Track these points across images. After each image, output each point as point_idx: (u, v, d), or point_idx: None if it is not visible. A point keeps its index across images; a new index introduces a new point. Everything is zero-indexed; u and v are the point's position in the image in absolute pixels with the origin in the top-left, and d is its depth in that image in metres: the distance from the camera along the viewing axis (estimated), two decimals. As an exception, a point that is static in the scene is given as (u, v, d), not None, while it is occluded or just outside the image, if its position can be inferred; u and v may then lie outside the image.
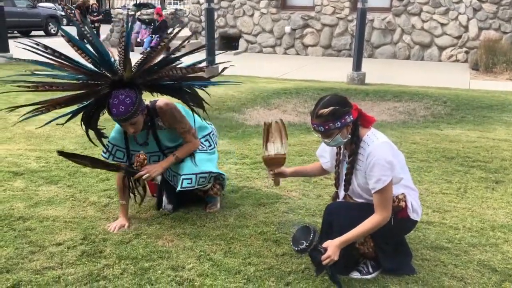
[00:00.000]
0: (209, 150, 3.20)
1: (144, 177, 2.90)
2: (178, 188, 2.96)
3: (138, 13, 15.33)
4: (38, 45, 2.54)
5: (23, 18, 17.97)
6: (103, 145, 2.98)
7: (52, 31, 19.52)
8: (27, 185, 3.63)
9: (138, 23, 14.32)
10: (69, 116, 2.77)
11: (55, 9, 23.84)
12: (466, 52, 12.01)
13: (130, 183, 3.05)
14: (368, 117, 2.36)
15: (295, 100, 7.10)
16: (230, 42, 14.24)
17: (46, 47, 2.54)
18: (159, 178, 2.98)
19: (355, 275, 2.46)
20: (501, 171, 4.04)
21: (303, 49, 13.44)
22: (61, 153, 2.84)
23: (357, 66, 8.91)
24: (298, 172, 2.83)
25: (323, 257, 2.26)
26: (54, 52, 2.54)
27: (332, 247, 2.27)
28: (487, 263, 2.58)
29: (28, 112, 2.64)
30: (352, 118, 2.28)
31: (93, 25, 16.20)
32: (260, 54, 13.67)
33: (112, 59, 2.59)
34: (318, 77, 9.50)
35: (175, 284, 2.38)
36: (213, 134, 3.29)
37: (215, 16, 12.21)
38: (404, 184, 2.37)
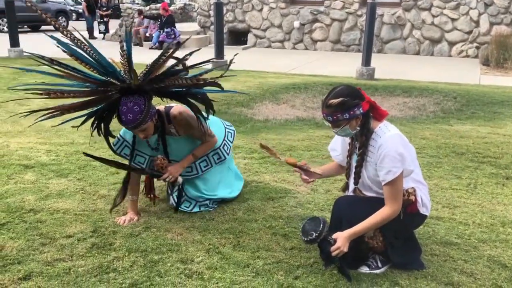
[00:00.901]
0: (218, 162, 3.21)
1: (167, 179, 2.96)
2: (177, 206, 3.10)
3: (147, 7, 15.35)
4: (43, 58, 2.58)
5: (33, 12, 18.05)
6: (109, 144, 2.96)
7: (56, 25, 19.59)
8: (38, 178, 3.66)
9: (145, 19, 14.36)
10: (84, 119, 2.82)
11: (64, 3, 23.91)
12: (477, 48, 11.88)
13: (153, 184, 3.18)
14: (381, 110, 2.36)
15: (304, 95, 7.09)
16: (239, 37, 14.22)
17: (51, 60, 2.57)
18: (180, 179, 3.05)
19: (364, 269, 2.45)
20: (511, 167, 4.01)
21: (312, 44, 13.38)
22: (87, 155, 2.88)
23: (367, 61, 8.86)
24: (324, 171, 2.70)
25: (333, 248, 2.26)
26: (59, 64, 2.57)
27: (341, 239, 2.27)
28: (497, 259, 2.57)
29: (42, 116, 2.69)
30: (362, 111, 2.28)
31: (102, 20, 16.28)
32: (269, 49, 13.64)
33: (118, 70, 2.61)
34: (327, 72, 9.47)
35: (184, 277, 2.39)
36: (224, 146, 3.24)
37: (224, 11, 12.18)
38: (414, 178, 2.37)
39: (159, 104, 3.00)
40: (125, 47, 2.51)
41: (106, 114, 2.80)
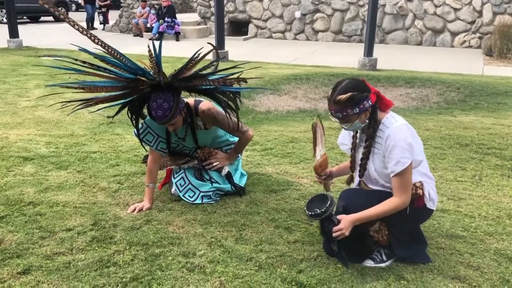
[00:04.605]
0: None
1: (216, 166, 3.17)
2: (181, 196, 3.11)
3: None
4: (76, 60, 2.67)
5: (32, 3, 17.92)
6: (136, 127, 3.04)
7: (61, 16, 19.45)
8: (37, 170, 3.61)
9: (147, 8, 14.23)
10: (118, 108, 2.94)
11: (64, -6, 23.69)
12: (480, 38, 11.79)
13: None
14: (386, 100, 2.30)
15: (306, 86, 7.02)
16: (240, 28, 14.11)
17: (84, 62, 2.66)
18: (227, 168, 3.21)
19: (369, 263, 2.41)
20: (517, 158, 3.96)
21: (314, 35, 13.28)
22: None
23: (369, 51, 8.78)
24: (340, 170, 2.70)
25: (335, 228, 2.21)
26: (92, 65, 2.67)
27: (345, 221, 2.22)
28: (504, 252, 2.53)
29: (77, 106, 2.82)
30: (370, 103, 2.22)
31: (100, 10, 16.15)
32: (270, 40, 13.54)
33: (148, 70, 2.69)
34: (329, 62, 9.39)
35: (186, 271, 2.35)
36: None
37: (225, 1, 12.07)
38: (422, 172, 2.31)
39: (187, 96, 3.07)
40: (154, 55, 2.61)
41: (137, 105, 2.92)
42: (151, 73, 2.69)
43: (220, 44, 9.69)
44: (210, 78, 2.75)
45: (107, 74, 2.69)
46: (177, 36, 13.27)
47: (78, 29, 2.67)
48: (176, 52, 10.30)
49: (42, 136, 4.46)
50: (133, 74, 2.69)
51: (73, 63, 2.65)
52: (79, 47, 2.76)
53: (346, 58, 9.84)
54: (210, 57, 2.96)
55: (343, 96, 2.18)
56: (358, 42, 12.49)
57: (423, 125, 4.92)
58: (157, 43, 2.66)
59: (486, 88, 6.84)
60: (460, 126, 4.90)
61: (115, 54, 2.66)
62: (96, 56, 2.68)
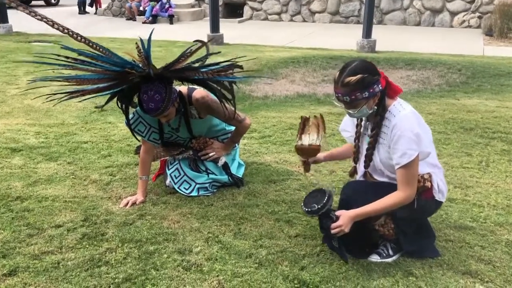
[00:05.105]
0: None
1: (212, 157, 3.02)
2: (176, 188, 2.97)
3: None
4: (59, 56, 2.48)
5: (22, -13, 17.49)
6: (127, 117, 2.85)
7: (52, 0, 19.05)
8: (26, 162, 3.46)
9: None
10: (107, 99, 2.80)
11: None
12: (479, 17, 11.58)
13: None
14: (395, 86, 2.14)
15: (303, 70, 6.85)
16: (235, 10, 13.83)
17: (67, 57, 2.49)
18: (223, 159, 3.05)
19: (375, 258, 2.29)
20: (523, 142, 3.83)
21: (310, 16, 13.03)
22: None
23: (367, 33, 8.58)
24: (332, 156, 2.60)
25: (333, 225, 2.09)
26: (76, 60, 2.51)
27: (345, 217, 2.10)
28: (516, 244, 2.41)
29: (62, 98, 2.64)
30: (380, 88, 2.06)
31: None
32: (266, 22, 13.28)
33: (136, 63, 2.52)
34: (326, 45, 9.19)
35: (182, 270, 2.22)
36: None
37: (219, -17, 11.78)
38: (430, 162, 2.17)
39: (180, 84, 2.90)
40: (142, 50, 2.45)
41: (127, 94, 2.75)
42: (140, 66, 2.52)
43: (214, 26, 9.47)
44: (203, 70, 2.59)
45: (93, 68, 2.52)
46: (171, 19, 13.00)
47: (58, 28, 2.47)
48: (170, 35, 10.05)
49: (32, 125, 4.30)
50: (121, 67, 2.51)
51: (56, 59, 2.45)
52: (62, 45, 2.55)
53: (344, 39, 9.63)
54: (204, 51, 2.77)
55: (353, 78, 2.01)
56: (356, 23, 12.27)
57: (425, 109, 4.77)
58: (145, 40, 2.46)
59: (488, 69, 6.68)
60: (464, 109, 4.76)
61: (100, 49, 2.49)
62: (80, 53, 2.48)
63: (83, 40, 2.49)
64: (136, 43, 2.48)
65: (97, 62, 2.50)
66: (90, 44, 2.49)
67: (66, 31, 2.49)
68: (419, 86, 5.80)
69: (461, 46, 8.95)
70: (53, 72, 2.51)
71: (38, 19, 2.46)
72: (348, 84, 2.02)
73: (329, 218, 2.12)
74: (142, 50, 2.44)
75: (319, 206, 2.09)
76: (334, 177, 3.21)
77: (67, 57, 2.48)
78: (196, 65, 2.59)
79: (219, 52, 2.84)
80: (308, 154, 2.46)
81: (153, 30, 2.69)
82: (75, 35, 2.49)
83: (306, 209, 2.13)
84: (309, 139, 2.40)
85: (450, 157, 3.55)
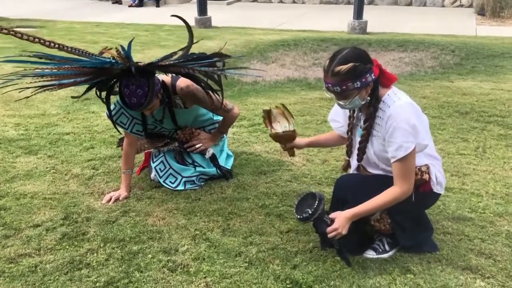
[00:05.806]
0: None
1: (199, 149, 2.88)
2: (161, 182, 2.85)
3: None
4: (31, 57, 2.26)
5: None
6: (108, 108, 2.64)
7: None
8: (4, 156, 3.30)
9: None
10: (85, 90, 2.59)
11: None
12: (471, -4, 11.40)
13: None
14: (389, 74, 1.99)
15: (294, 53, 6.67)
16: (223, -8, 13.52)
17: (40, 56, 2.28)
18: (211, 150, 2.92)
19: (370, 254, 2.18)
20: (520, 126, 3.73)
21: (300, -3, 12.76)
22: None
23: (358, 13, 8.39)
24: (314, 142, 2.48)
25: (329, 229, 1.98)
26: (52, 58, 2.30)
27: (340, 219, 1.98)
28: (516, 236, 2.31)
29: (37, 90, 2.44)
30: (373, 77, 1.92)
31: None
32: (255, 4, 13.01)
33: (114, 60, 2.30)
34: (317, 26, 8.99)
35: (167, 271, 2.10)
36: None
37: (206, -36, 11.46)
38: (428, 153, 2.05)
39: (162, 74, 2.71)
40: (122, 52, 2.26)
41: (107, 83, 2.55)
42: (120, 63, 2.32)
43: (202, 9, 9.22)
44: (189, 66, 2.39)
45: (70, 66, 2.32)
46: (157, 1, 12.69)
47: (27, 39, 2.26)
48: (156, 19, 9.79)
49: (11, 116, 4.12)
50: (100, 66, 2.33)
51: (29, 60, 2.26)
52: (35, 53, 2.28)
53: (335, 21, 9.44)
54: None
55: (344, 67, 1.86)
56: (346, 3, 12.04)
57: (419, 93, 4.64)
58: (126, 44, 2.26)
59: (481, 50, 6.55)
60: (459, 92, 4.64)
61: (77, 52, 2.31)
62: (54, 57, 2.29)
63: (56, 46, 2.28)
64: (116, 48, 2.30)
65: (74, 67, 2.31)
66: (65, 48, 2.28)
67: (37, 40, 2.27)
68: (412, 69, 5.66)
69: (453, 26, 8.80)
70: (25, 69, 2.31)
71: (4, 33, 2.23)
72: (338, 74, 1.87)
73: (323, 222, 2.01)
74: (122, 53, 2.26)
75: (311, 212, 1.97)
76: (327, 166, 3.09)
77: (41, 57, 2.28)
78: (182, 60, 2.39)
79: (201, 39, 2.64)
80: (286, 140, 2.38)
81: (133, 39, 2.46)
82: (47, 43, 2.26)
83: (299, 217, 2.02)
84: (281, 126, 2.34)
85: (446, 143, 3.43)
